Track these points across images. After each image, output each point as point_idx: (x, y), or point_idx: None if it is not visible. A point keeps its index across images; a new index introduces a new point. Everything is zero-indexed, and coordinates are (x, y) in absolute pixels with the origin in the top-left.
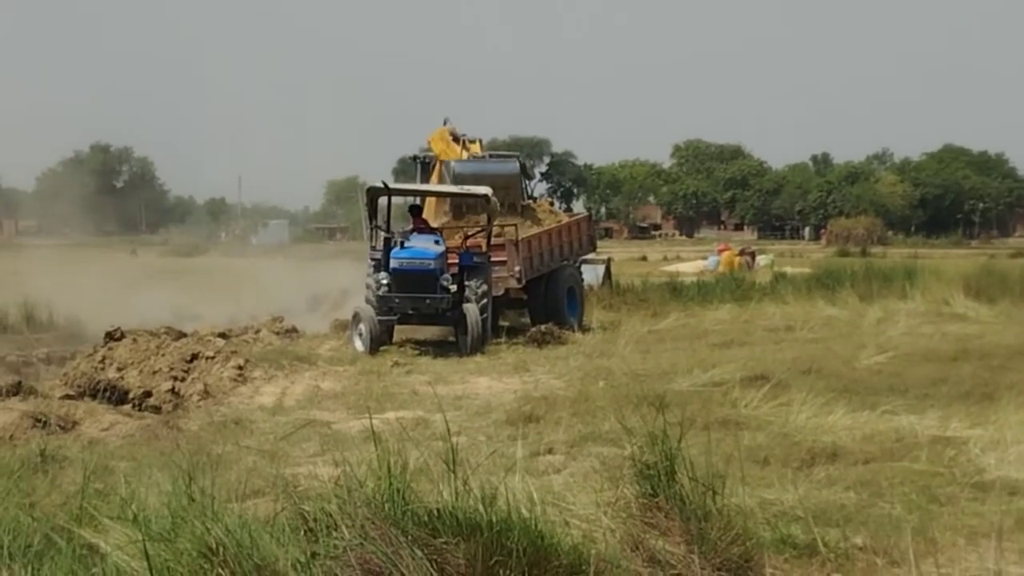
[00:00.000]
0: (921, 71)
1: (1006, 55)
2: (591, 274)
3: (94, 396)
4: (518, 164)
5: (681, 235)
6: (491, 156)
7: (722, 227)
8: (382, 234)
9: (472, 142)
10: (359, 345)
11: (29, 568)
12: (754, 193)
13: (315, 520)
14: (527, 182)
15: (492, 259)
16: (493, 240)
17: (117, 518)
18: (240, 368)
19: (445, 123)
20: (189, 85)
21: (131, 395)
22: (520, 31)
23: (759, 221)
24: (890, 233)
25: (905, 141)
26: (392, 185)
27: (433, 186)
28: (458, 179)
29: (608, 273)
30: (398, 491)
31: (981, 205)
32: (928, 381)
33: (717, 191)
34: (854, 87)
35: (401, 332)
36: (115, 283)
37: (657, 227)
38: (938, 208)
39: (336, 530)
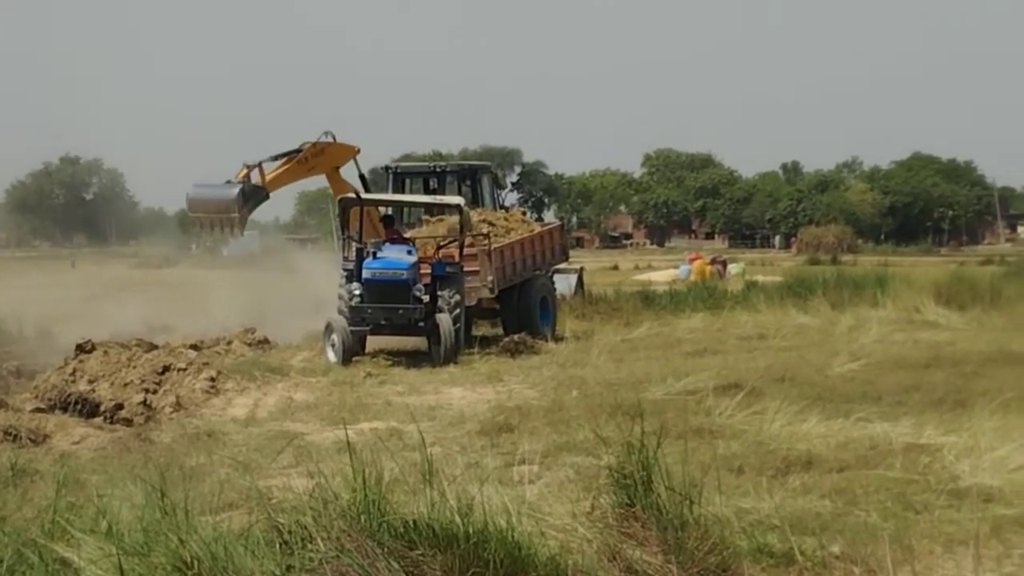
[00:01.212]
0: (890, 79)
1: (974, 63)
2: (563, 283)
3: (65, 409)
4: (239, 190)
5: (652, 244)
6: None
7: (693, 236)
8: (354, 244)
9: None
10: (332, 356)
11: None
12: (725, 202)
13: (290, 533)
14: (499, 192)
15: (465, 269)
16: (466, 250)
17: (90, 532)
18: (212, 380)
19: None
20: (159, 96)
21: (102, 408)
22: (491, 41)
23: (730, 230)
24: (860, 241)
25: (874, 149)
26: (364, 195)
27: (405, 196)
28: (189, 202)
29: (580, 282)
30: (373, 503)
31: (950, 213)
32: (901, 388)
33: (688, 200)
34: (823, 96)
35: (374, 343)
36: (74, 296)
37: (628, 236)
38: (907, 216)
39: (311, 542)
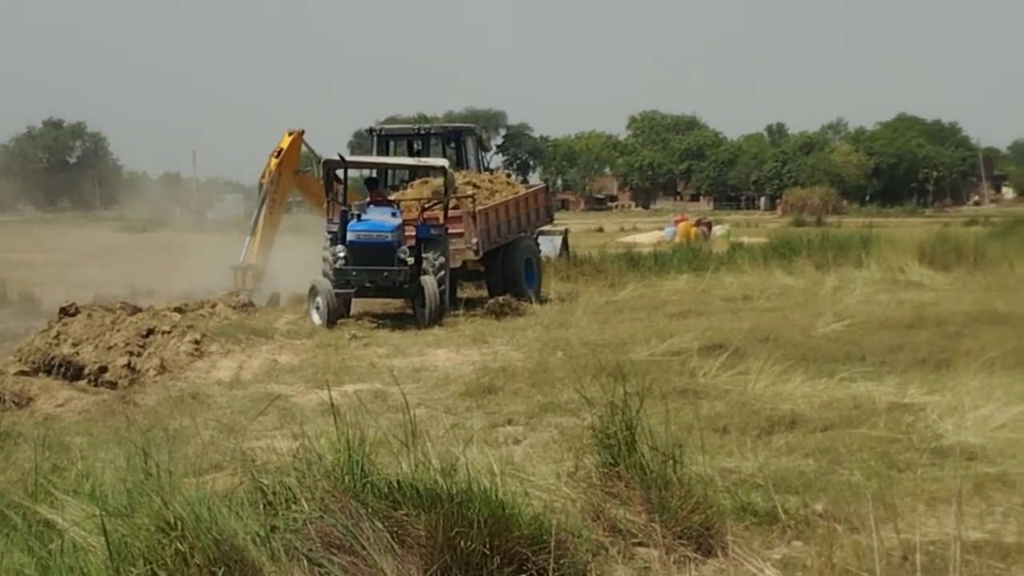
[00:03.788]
0: (875, 40)
1: (959, 24)
2: (548, 246)
3: (49, 372)
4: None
5: (637, 206)
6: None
7: (678, 198)
8: (339, 207)
9: None
10: (316, 318)
11: None
12: (710, 164)
13: (274, 494)
14: (483, 154)
15: (449, 231)
16: (450, 212)
17: (73, 493)
18: (197, 342)
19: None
20: (142, 59)
21: (86, 371)
22: (476, 2)
23: (715, 192)
24: (845, 202)
25: (859, 111)
26: (349, 158)
27: (390, 159)
28: None
29: (565, 244)
30: (357, 464)
31: (935, 174)
32: (885, 348)
33: (673, 162)
34: (808, 57)
35: (358, 305)
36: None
37: (613, 198)
38: (892, 177)
39: (295, 503)
